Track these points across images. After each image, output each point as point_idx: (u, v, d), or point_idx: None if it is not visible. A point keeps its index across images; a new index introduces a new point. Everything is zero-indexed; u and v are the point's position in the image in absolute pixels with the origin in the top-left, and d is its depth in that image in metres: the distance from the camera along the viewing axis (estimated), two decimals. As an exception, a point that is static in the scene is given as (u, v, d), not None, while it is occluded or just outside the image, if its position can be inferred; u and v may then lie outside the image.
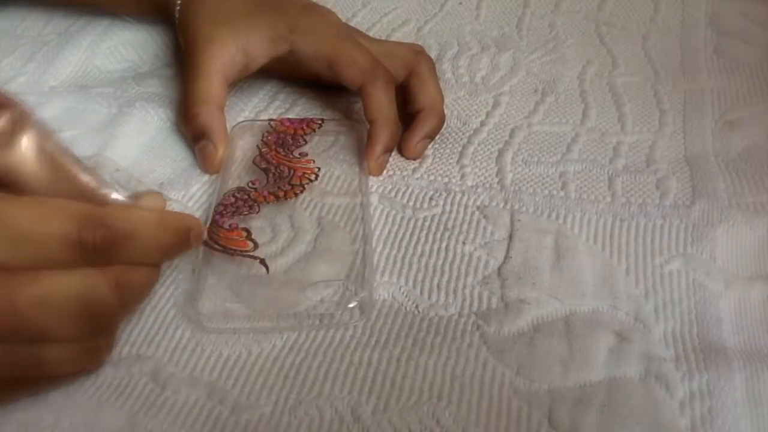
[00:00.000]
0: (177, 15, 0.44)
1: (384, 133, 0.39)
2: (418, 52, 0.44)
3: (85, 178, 0.28)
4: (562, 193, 0.38)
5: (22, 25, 0.51)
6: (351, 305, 0.32)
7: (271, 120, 0.42)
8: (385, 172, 0.40)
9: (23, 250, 0.24)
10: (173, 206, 0.37)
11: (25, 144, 0.27)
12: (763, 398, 0.28)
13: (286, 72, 0.45)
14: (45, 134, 0.28)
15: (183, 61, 0.43)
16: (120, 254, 0.26)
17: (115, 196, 0.29)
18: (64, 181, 0.28)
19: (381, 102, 0.39)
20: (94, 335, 0.27)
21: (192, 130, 0.40)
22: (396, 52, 0.43)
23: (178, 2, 0.44)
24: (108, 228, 0.25)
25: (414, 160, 0.40)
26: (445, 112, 0.43)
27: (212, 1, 0.42)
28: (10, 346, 0.24)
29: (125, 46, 0.50)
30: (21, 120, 0.27)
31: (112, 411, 0.28)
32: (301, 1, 0.43)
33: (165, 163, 0.40)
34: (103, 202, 0.28)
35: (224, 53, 0.40)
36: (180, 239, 0.28)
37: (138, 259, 0.27)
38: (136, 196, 0.30)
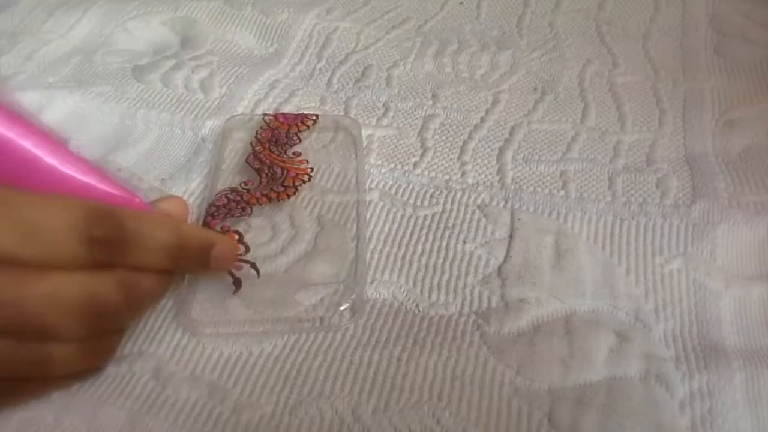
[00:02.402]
0: None
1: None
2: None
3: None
4: (562, 193, 0.38)
5: (21, 24, 0.51)
6: (342, 307, 0.32)
7: (265, 115, 0.42)
8: (386, 165, 0.40)
9: (33, 243, 0.24)
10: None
11: None
12: (763, 398, 0.28)
13: None
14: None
15: None
16: (127, 253, 0.26)
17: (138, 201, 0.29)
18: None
19: None
20: (99, 335, 0.27)
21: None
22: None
23: None
24: (117, 223, 0.25)
25: None
26: (445, 104, 0.44)
27: None
28: (16, 343, 0.24)
29: (123, 38, 0.50)
30: None
31: (113, 409, 0.28)
32: None
33: (166, 161, 0.40)
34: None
35: None
36: (194, 249, 0.28)
37: (146, 261, 0.27)
38: (157, 200, 0.30)
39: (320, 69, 0.47)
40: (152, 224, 0.27)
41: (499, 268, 0.34)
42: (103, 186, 0.28)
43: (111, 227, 0.25)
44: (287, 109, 0.44)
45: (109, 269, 0.26)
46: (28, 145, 0.26)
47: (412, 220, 0.37)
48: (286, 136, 0.40)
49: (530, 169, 0.39)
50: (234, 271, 0.32)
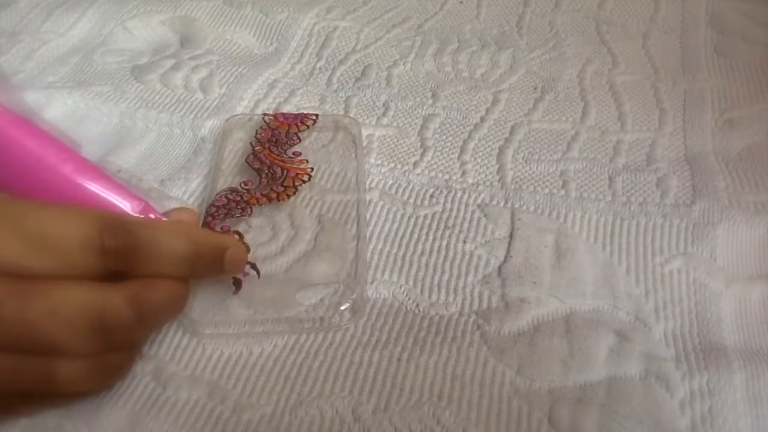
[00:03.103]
0: None
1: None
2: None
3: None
4: (562, 192, 0.38)
5: (21, 23, 0.51)
6: (342, 307, 0.32)
7: (265, 114, 0.41)
8: (386, 165, 0.40)
9: (44, 254, 0.23)
10: (173, 204, 0.37)
11: None
12: (763, 398, 0.28)
13: None
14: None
15: None
16: (141, 263, 0.25)
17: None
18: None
19: None
20: (108, 351, 0.26)
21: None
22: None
23: None
24: (130, 233, 0.25)
25: None
26: (445, 104, 0.44)
27: None
28: (21, 358, 0.24)
29: (122, 38, 0.50)
30: None
31: (114, 410, 0.28)
32: None
33: (166, 162, 0.40)
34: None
35: None
36: (207, 255, 0.28)
37: (161, 270, 0.26)
38: (168, 212, 0.30)
39: (320, 68, 0.47)
40: (165, 233, 0.26)
41: (500, 267, 0.34)
42: (115, 195, 0.28)
43: (124, 237, 0.25)
44: (287, 108, 0.44)
45: (121, 282, 0.25)
46: (38, 150, 0.26)
47: (412, 220, 0.37)
48: (285, 136, 0.40)
49: (530, 168, 0.39)
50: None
